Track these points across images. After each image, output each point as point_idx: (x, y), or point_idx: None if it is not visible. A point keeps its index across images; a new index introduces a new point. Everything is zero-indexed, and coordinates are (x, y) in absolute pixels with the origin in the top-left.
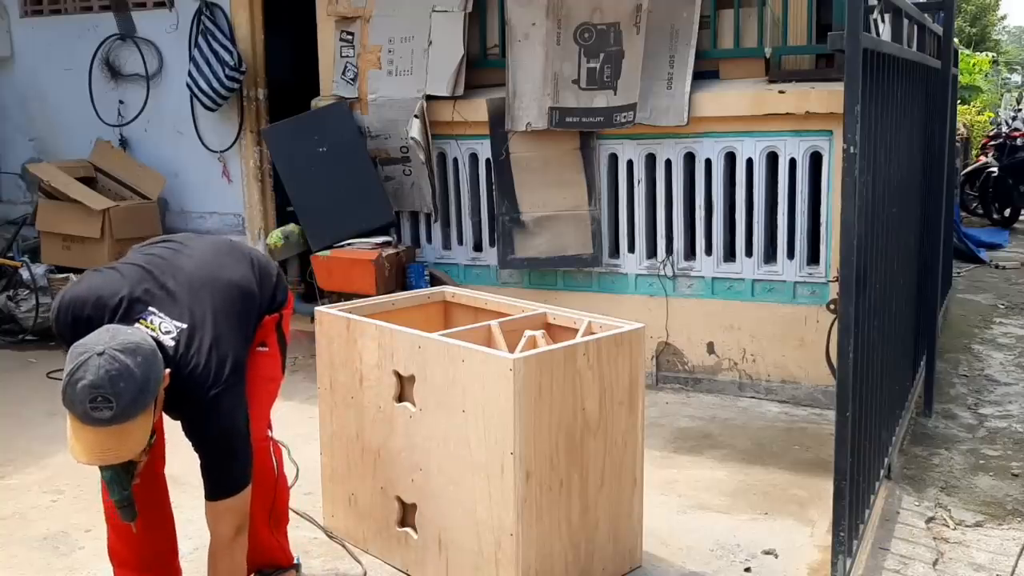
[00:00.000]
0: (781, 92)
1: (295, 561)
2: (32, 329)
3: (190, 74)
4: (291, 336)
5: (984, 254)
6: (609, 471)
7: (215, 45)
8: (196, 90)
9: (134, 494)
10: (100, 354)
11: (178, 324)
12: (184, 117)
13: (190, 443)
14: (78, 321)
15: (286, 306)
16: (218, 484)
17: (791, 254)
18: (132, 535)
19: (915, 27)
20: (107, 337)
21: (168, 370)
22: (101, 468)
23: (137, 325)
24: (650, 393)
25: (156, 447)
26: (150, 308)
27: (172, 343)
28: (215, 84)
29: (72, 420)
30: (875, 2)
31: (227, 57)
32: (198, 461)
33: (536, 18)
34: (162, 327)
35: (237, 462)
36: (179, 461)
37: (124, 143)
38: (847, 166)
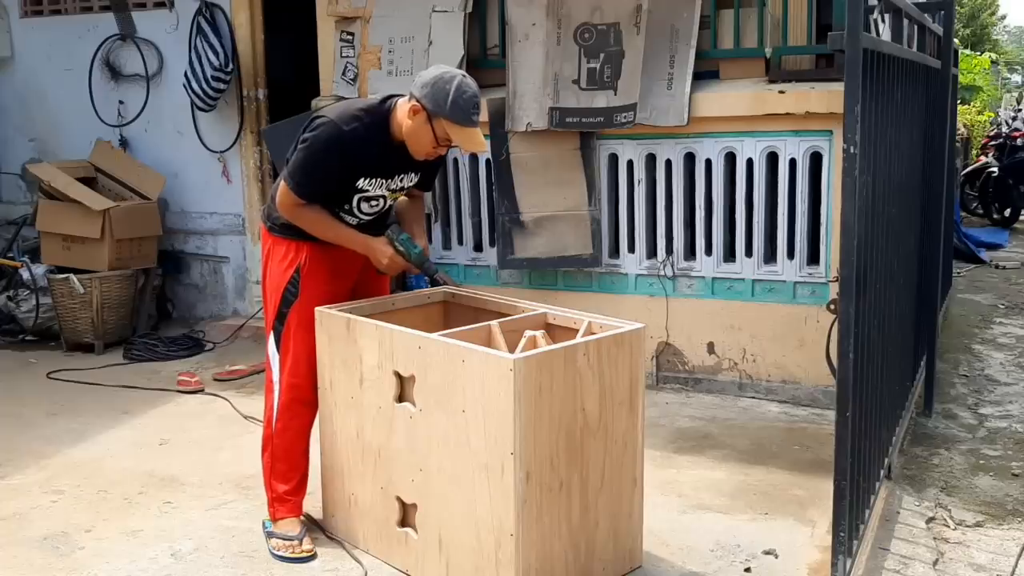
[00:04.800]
0: (781, 92)
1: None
2: (32, 329)
3: (185, 74)
4: None
5: (984, 254)
6: (609, 471)
7: (205, 45)
8: (189, 90)
9: None
10: (464, 76)
11: None
12: (184, 117)
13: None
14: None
15: None
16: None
17: (791, 254)
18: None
19: (915, 27)
20: (444, 68)
21: None
22: (399, 235)
23: None
24: (650, 393)
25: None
26: None
27: None
28: (203, 84)
29: (453, 127)
30: (875, 2)
31: (213, 58)
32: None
33: (536, 18)
34: None
35: None
36: (179, 462)
37: (124, 143)
38: (847, 166)
